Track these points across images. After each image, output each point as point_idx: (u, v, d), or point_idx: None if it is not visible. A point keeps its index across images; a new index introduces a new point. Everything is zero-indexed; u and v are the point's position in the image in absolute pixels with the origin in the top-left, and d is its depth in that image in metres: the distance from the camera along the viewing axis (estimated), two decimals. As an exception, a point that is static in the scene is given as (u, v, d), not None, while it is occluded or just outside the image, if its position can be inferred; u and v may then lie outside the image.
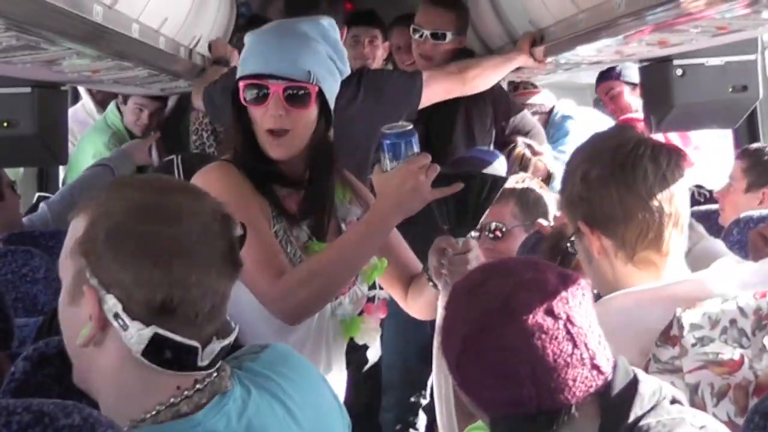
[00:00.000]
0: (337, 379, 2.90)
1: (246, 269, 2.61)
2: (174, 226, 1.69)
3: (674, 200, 2.29)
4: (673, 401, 1.93)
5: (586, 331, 1.89)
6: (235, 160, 2.82)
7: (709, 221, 4.13)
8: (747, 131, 5.10)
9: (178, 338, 1.70)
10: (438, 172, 2.65)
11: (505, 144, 5.13)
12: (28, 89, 4.88)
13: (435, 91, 4.43)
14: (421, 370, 4.98)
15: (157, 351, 1.70)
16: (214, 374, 1.78)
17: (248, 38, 2.85)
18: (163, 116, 6.55)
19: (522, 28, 4.94)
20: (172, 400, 1.73)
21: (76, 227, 1.74)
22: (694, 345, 2.14)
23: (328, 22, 2.86)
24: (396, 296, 2.98)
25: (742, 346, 2.14)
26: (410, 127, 2.69)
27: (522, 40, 4.81)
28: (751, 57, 4.74)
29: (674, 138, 5.67)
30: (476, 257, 2.75)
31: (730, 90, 4.76)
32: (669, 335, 2.17)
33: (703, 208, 4.53)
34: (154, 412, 1.72)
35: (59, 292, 1.79)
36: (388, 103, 4.23)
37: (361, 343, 2.92)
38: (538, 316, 1.86)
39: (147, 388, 1.72)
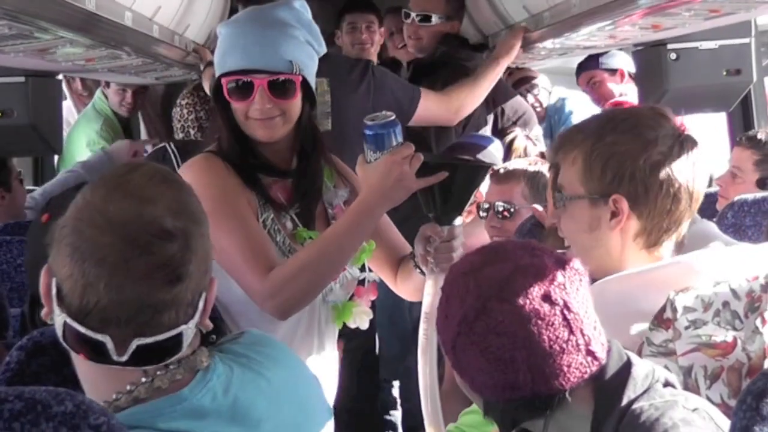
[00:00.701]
0: (330, 358, 2.92)
1: (234, 265, 2.64)
2: (92, 232, 1.70)
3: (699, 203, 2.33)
4: (666, 384, 1.94)
5: (582, 317, 1.90)
6: (220, 151, 2.82)
7: (702, 204, 4.12)
8: (741, 115, 5.09)
9: (82, 329, 1.71)
10: (422, 161, 2.65)
11: (503, 131, 5.15)
12: (22, 79, 4.87)
13: (425, 117, 4.50)
14: (396, 355, 5.00)
15: (70, 339, 1.74)
16: (189, 355, 1.80)
17: (222, 30, 2.82)
18: (156, 96, 6.56)
19: (516, 13, 4.93)
20: (143, 379, 1.76)
21: None
22: (687, 328, 2.14)
23: (300, 4, 2.86)
24: (385, 278, 2.99)
25: (735, 329, 2.14)
26: (393, 117, 2.69)
27: (510, 38, 4.82)
28: (745, 40, 4.72)
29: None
30: (461, 244, 2.75)
31: (724, 74, 4.75)
32: (662, 318, 2.17)
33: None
34: (126, 391, 1.75)
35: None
36: (387, 108, 4.25)
37: (353, 326, 2.92)
38: (536, 302, 1.87)
39: (107, 372, 1.75)
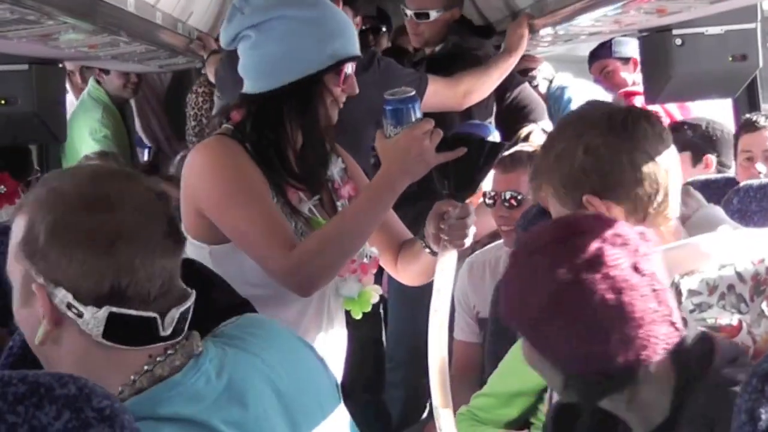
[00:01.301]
0: (339, 337, 2.92)
1: (253, 243, 2.64)
2: (112, 212, 1.71)
3: (674, 160, 2.31)
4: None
5: (665, 287, 1.93)
6: (236, 134, 2.80)
7: (708, 190, 4.11)
8: (747, 101, 5.08)
9: (134, 312, 1.72)
10: (441, 136, 2.67)
11: (507, 122, 5.14)
12: (25, 66, 4.86)
13: (433, 103, 4.43)
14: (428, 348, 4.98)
15: (116, 330, 1.73)
16: (184, 340, 1.80)
17: (305, 13, 2.78)
18: (161, 87, 6.56)
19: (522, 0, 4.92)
20: (146, 367, 1.76)
21: (17, 228, 1.77)
22: (692, 311, 2.14)
23: None
24: (385, 263, 2.99)
25: (740, 312, 2.13)
26: (413, 92, 2.72)
27: (517, 28, 4.80)
28: (751, 26, 4.70)
29: (673, 107, 5.67)
30: (473, 221, 2.77)
31: (730, 59, 4.73)
32: (667, 302, 2.17)
33: (702, 177, 4.52)
34: (130, 382, 1.75)
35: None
36: None
37: None
38: (626, 272, 1.89)
39: (118, 365, 1.76)
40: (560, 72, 6.39)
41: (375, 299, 2.90)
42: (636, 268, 1.90)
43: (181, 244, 1.78)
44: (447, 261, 2.77)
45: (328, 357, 2.72)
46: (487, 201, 3.90)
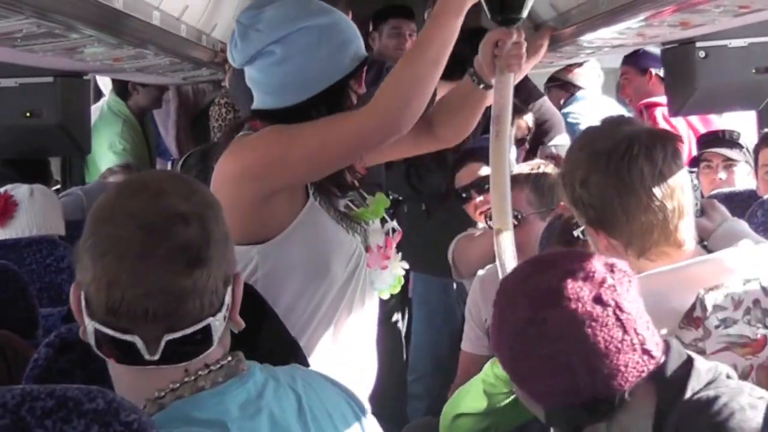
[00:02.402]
0: (372, 318, 2.92)
1: (335, 130, 2.66)
2: (111, 228, 1.72)
3: (676, 194, 2.27)
4: (728, 377, 1.95)
5: (634, 316, 1.93)
6: None
7: (732, 203, 4.10)
8: (771, 113, 5.07)
9: (110, 332, 1.72)
10: None
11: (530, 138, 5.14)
12: (50, 79, 4.88)
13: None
14: (452, 358, 4.97)
15: (104, 346, 1.74)
16: (229, 358, 1.81)
17: (323, 20, 2.78)
18: (198, 102, 6.59)
19: (543, 11, 4.91)
20: (186, 379, 1.75)
21: None
22: (717, 327, 2.14)
23: None
24: (424, 137, 3.02)
25: (765, 327, 2.13)
26: None
27: (537, 38, 4.81)
28: (775, 38, 4.71)
29: (695, 120, 5.65)
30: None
31: (753, 71, 4.72)
32: (692, 317, 2.17)
33: (726, 190, 4.51)
34: (170, 389, 1.75)
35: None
36: None
37: None
38: (588, 305, 1.91)
39: (149, 377, 1.75)
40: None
41: (402, 273, 2.91)
42: (598, 300, 1.91)
43: (193, 266, 1.72)
44: (504, 87, 2.81)
45: (362, 340, 2.80)
46: (489, 222, 3.89)
